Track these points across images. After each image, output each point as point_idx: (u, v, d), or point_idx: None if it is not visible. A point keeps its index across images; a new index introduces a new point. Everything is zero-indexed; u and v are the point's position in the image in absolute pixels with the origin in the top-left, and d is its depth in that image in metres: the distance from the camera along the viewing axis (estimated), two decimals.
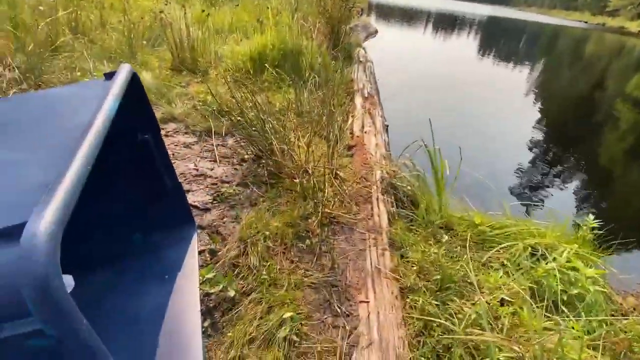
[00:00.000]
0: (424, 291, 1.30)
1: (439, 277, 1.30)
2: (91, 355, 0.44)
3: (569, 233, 1.62)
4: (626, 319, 1.26)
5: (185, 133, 2.44)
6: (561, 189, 3.09)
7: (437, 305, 1.22)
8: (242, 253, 1.46)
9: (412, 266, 1.45)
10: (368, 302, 1.32)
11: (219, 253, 1.47)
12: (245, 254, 1.45)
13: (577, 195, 3.05)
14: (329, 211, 1.75)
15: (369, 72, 4.28)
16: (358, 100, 3.28)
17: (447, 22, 21.36)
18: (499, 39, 17.99)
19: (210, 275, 1.35)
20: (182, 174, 1.99)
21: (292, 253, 1.52)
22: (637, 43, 21.66)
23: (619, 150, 4.70)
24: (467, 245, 1.34)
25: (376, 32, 8.69)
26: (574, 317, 1.17)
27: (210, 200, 1.80)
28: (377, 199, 1.91)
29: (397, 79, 5.61)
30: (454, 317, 1.15)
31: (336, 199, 1.85)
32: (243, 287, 1.34)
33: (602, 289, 1.27)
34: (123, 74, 0.95)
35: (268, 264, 1.41)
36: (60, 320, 0.40)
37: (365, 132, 2.66)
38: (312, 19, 5.21)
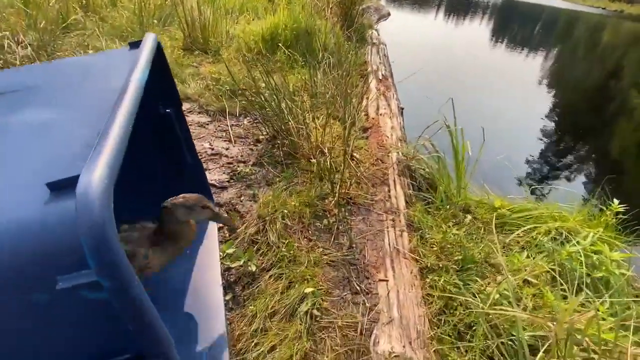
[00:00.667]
0: (445, 271, 1.29)
1: (460, 257, 1.29)
2: (142, 310, 0.44)
3: (591, 217, 1.59)
4: None
5: (199, 113, 2.42)
6: (578, 175, 3.05)
7: (458, 285, 1.22)
8: (261, 230, 1.46)
9: (432, 247, 1.44)
10: (387, 280, 1.32)
11: (238, 230, 1.48)
12: (264, 231, 1.46)
13: (594, 181, 3.00)
14: (345, 192, 1.74)
15: (382, 54, 4.18)
16: (372, 82, 3.21)
17: (460, 6, 20.67)
18: (514, 24, 17.38)
19: (230, 251, 1.36)
20: (198, 152, 1.98)
21: (309, 232, 1.52)
22: None
23: (635, 138, 4.58)
24: (493, 226, 1.32)
25: (389, 14, 8.44)
26: (598, 299, 1.16)
27: (227, 179, 1.80)
28: (394, 180, 1.90)
29: (410, 62, 5.48)
30: (476, 297, 1.15)
31: (352, 180, 1.83)
32: (263, 263, 1.34)
33: (627, 273, 1.25)
34: (149, 42, 0.93)
35: (287, 241, 1.41)
36: (115, 272, 0.40)
37: (381, 115, 2.61)
38: None
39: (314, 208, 1.62)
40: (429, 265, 1.36)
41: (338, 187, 1.71)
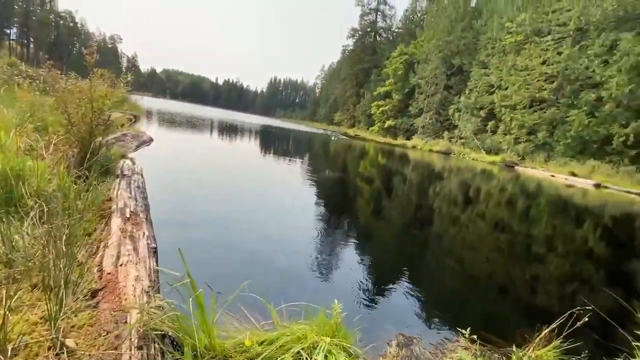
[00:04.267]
0: None
1: None
2: None
3: (326, 322, 1.80)
4: None
5: None
6: (325, 275, 3.19)
7: None
8: None
9: None
10: None
11: None
12: None
13: (338, 274, 3.27)
14: None
15: (135, 186, 3.88)
16: (116, 222, 2.79)
17: (228, 129, 24.21)
18: (273, 142, 22.06)
19: None
20: None
21: None
22: (357, 143, 32.31)
23: (368, 214, 6.34)
24: None
25: (151, 140, 8.44)
26: None
27: None
28: (130, 358, 1.48)
29: (173, 190, 5.38)
30: None
31: None
32: None
33: None
34: None
35: None
36: None
37: (122, 265, 2.20)
38: (53, 129, 4.41)
39: None
40: None
41: None
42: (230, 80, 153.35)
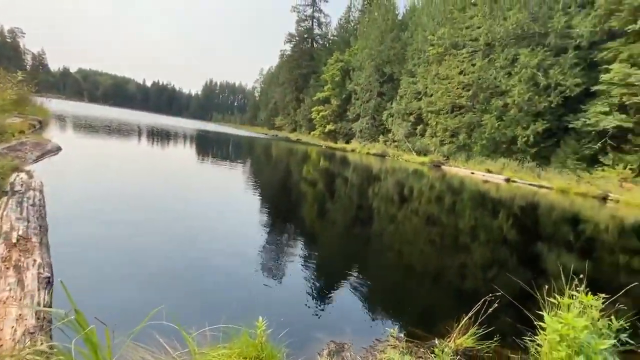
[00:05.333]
0: None
1: None
2: None
3: (249, 342, 1.68)
4: None
5: None
6: (254, 289, 2.95)
7: None
8: None
9: None
10: None
11: None
12: None
13: (267, 286, 3.05)
14: None
15: (30, 204, 3.28)
16: None
17: (156, 135, 22.32)
18: (212, 147, 20.96)
19: None
20: None
21: None
22: (299, 147, 32.42)
23: (305, 217, 6.29)
24: None
25: (59, 149, 7.32)
26: None
27: None
28: None
29: (81, 206, 4.64)
30: None
31: None
32: None
33: None
34: None
35: None
36: None
37: None
38: None
39: None
40: None
41: None
42: (160, 82, 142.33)
